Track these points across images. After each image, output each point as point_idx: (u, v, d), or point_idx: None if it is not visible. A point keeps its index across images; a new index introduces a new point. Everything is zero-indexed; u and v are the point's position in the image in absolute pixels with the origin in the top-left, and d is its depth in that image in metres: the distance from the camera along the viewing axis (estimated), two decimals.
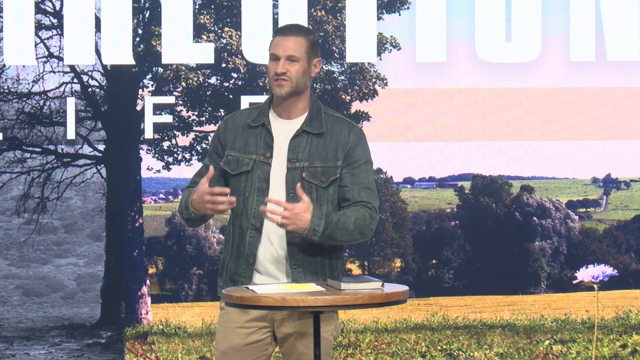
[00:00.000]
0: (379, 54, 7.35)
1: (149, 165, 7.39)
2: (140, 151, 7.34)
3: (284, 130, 4.30)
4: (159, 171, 7.43)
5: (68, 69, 7.36)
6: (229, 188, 4.20)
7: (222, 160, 4.32)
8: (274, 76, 4.24)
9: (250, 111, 4.38)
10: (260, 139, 4.29)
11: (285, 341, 4.31)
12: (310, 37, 4.29)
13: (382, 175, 7.66)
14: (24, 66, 7.35)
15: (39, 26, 7.29)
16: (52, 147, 7.41)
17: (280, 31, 4.31)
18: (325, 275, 4.28)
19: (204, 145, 7.32)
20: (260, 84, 7.30)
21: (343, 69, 7.42)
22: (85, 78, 7.39)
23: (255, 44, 7.22)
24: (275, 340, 4.34)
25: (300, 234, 4.15)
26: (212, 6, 7.31)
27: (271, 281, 4.26)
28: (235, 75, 7.35)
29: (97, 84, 7.40)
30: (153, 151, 7.36)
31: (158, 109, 7.26)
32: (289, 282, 4.23)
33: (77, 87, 7.37)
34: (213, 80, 7.33)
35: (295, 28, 4.32)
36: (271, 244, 4.24)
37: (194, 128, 7.34)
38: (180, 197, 4.43)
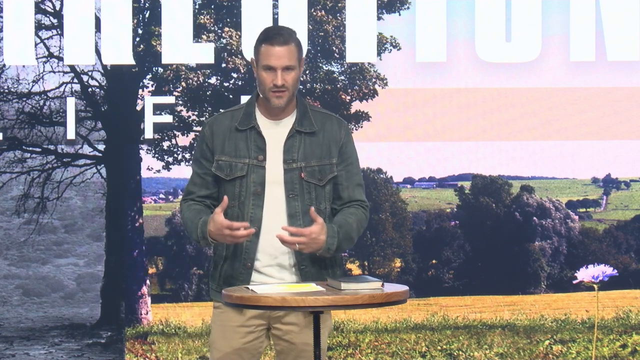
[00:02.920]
0: (379, 54, 7.34)
1: (149, 165, 7.39)
2: (140, 151, 7.33)
3: (275, 131, 4.26)
4: (159, 171, 7.43)
5: (68, 69, 7.36)
6: (247, 222, 4.15)
7: (212, 165, 4.28)
8: (272, 88, 4.17)
9: (232, 114, 4.31)
10: (251, 142, 4.25)
11: (281, 339, 4.32)
12: (297, 41, 4.23)
13: (382, 175, 7.66)
14: (24, 66, 7.34)
15: (39, 26, 7.29)
16: (52, 147, 7.41)
17: (270, 40, 4.19)
18: (328, 269, 4.29)
19: None
20: None
21: (343, 69, 7.42)
22: (85, 78, 7.39)
23: None
24: (268, 337, 4.35)
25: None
26: (212, 6, 7.31)
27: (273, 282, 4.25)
28: (235, 75, 7.35)
29: (97, 84, 7.40)
30: (153, 151, 7.36)
31: (158, 109, 7.25)
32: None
33: (77, 87, 7.37)
34: (213, 80, 7.33)
35: (285, 35, 4.20)
36: (272, 247, 4.21)
37: (194, 128, 7.34)
38: (180, 214, 4.37)
